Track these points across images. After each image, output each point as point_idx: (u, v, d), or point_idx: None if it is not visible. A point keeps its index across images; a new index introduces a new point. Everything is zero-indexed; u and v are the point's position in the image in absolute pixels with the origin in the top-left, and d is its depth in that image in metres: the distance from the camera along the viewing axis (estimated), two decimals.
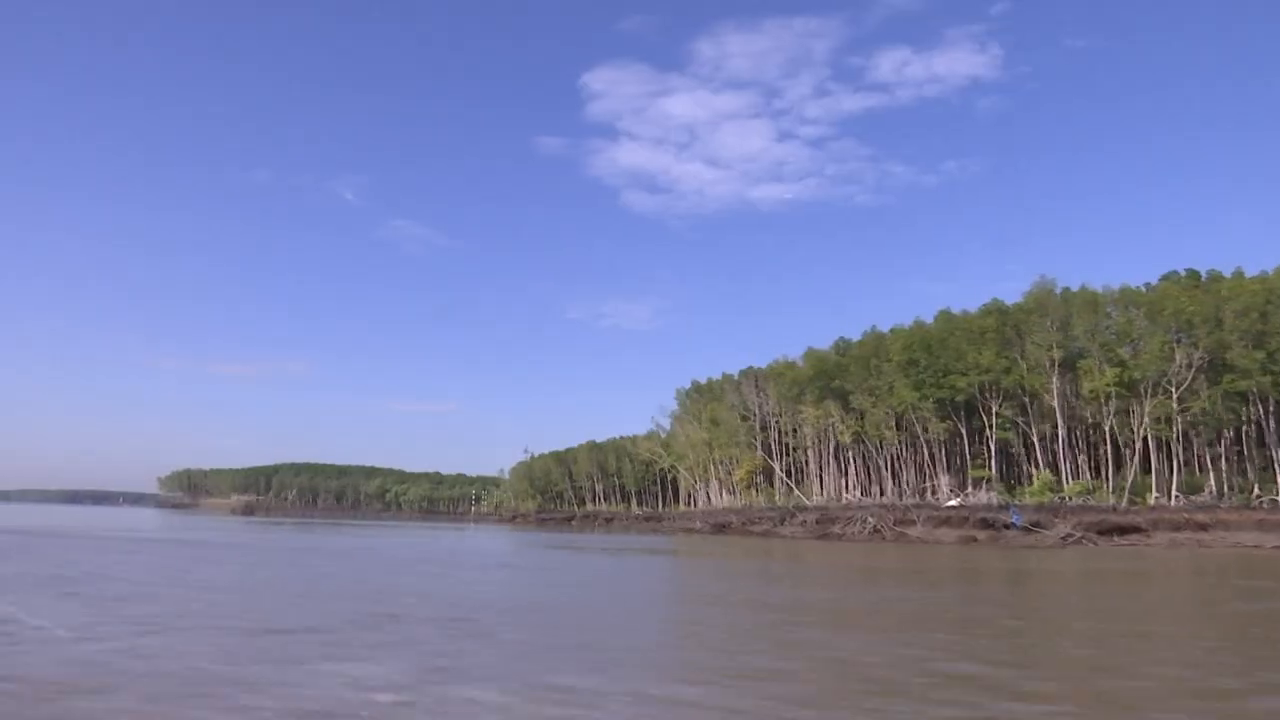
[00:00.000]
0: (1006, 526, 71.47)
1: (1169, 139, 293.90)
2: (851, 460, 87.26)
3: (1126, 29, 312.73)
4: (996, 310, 76.49)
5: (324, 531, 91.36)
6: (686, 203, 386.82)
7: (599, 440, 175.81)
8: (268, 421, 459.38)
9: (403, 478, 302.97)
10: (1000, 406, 74.41)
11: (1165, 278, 76.54)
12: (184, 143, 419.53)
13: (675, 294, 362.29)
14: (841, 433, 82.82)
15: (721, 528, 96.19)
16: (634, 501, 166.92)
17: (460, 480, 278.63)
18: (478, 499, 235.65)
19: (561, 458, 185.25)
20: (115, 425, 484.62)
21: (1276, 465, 70.76)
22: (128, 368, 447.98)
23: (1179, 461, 74.12)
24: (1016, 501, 73.38)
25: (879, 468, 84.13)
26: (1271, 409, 70.34)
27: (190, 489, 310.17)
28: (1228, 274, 75.78)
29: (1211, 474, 73.88)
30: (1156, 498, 71.88)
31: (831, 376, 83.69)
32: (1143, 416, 69.22)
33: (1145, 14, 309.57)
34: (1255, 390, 68.82)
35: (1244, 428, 74.37)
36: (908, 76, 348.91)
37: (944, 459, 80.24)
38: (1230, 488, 72.75)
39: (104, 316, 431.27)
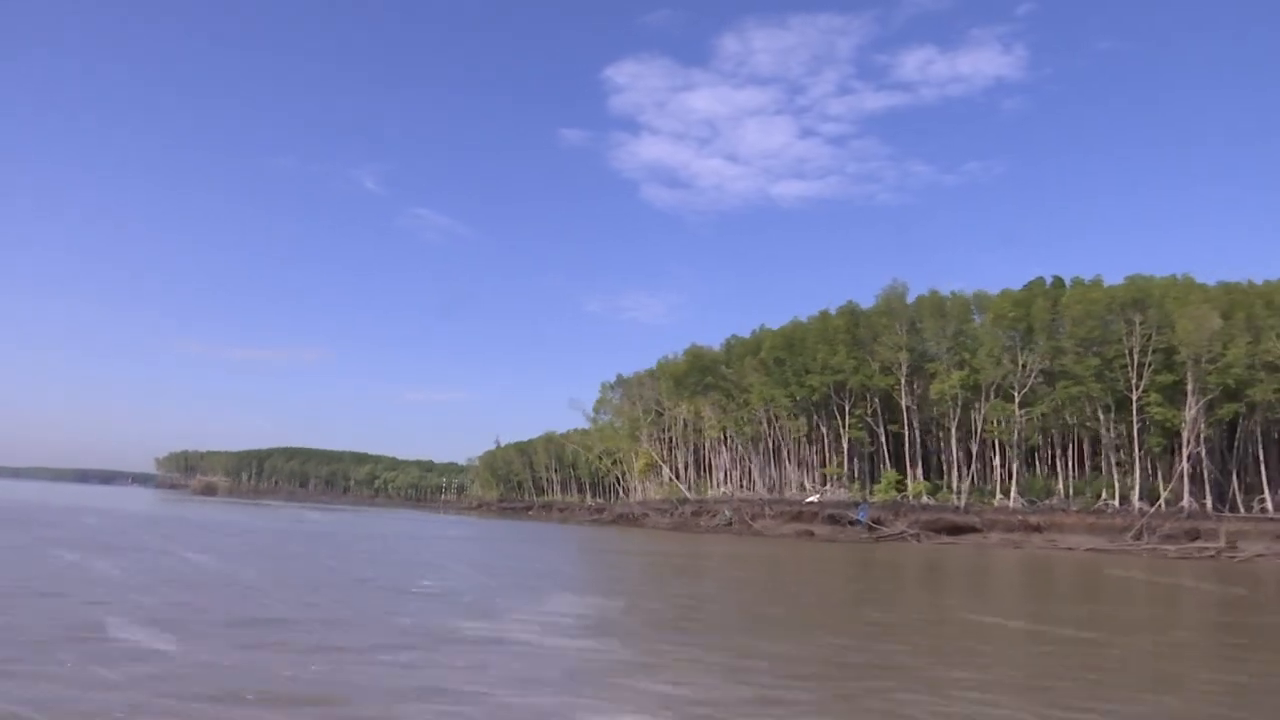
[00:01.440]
0: (852, 523, 73.83)
1: (1193, 142, 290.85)
2: (748, 456, 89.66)
3: (1152, 31, 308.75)
4: (849, 312, 78.55)
5: (220, 509, 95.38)
6: (706, 198, 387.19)
7: (558, 432, 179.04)
8: (281, 406, 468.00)
9: (393, 464, 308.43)
10: (853, 406, 76.58)
11: (1029, 285, 78.00)
12: (208, 127, 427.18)
13: (693, 289, 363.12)
14: (710, 428, 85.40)
15: (624, 519, 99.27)
16: (589, 493, 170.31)
17: (450, 469, 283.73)
18: (446, 487, 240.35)
19: (523, 449, 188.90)
20: (130, 406, 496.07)
21: (1115, 470, 72.40)
22: (145, 349, 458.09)
23: (1024, 465, 75.98)
24: (867, 500, 75.59)
25: (763, 462, 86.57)
26: (1113, 416, 71.87)
27: (187, 470, 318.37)
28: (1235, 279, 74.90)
29: (1060, 478, 75.59)
30: (1000, 499, 73.79)
31: (705, 373, 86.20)
32: (981, 420, 71.03)
33: (1171, 16, 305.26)
34: (1094, 396, 70.42)
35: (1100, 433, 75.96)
36: (932, 76, 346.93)
37: (814, 456, 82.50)
38: (1076, 492, 74.48)
39: (123, 298, 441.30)
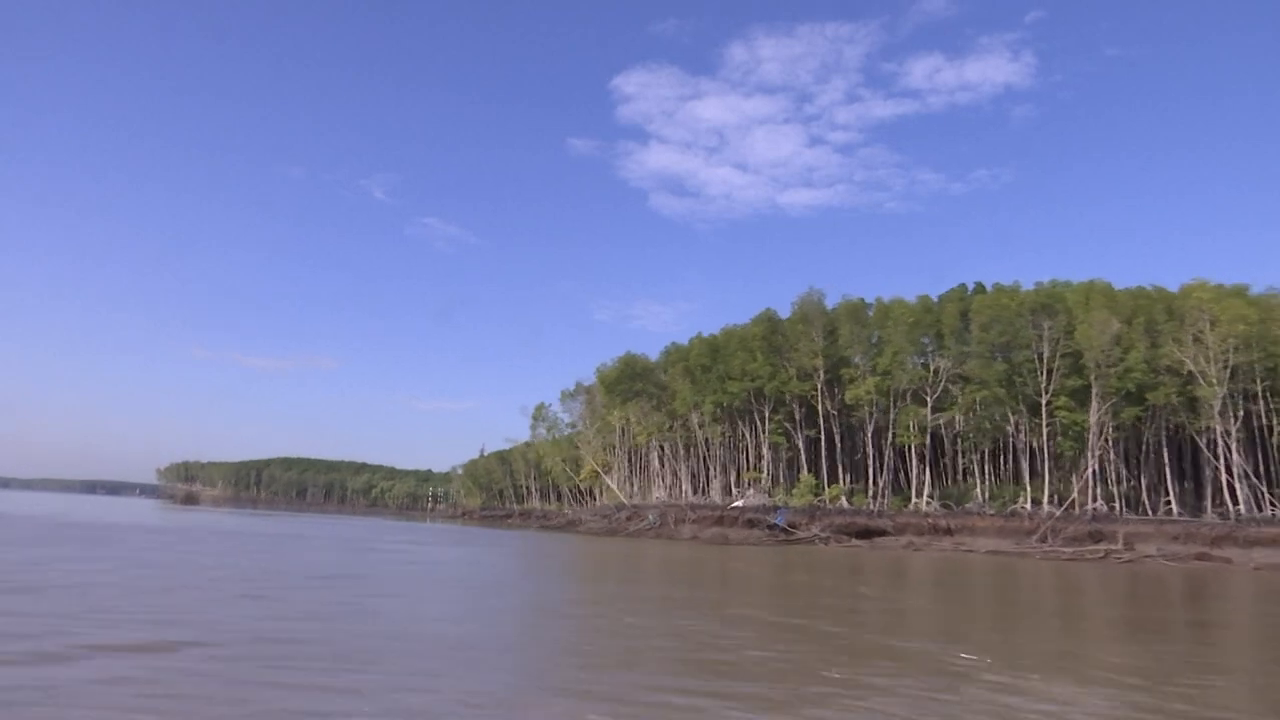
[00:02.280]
0: (770, 527, 75.03)
1: (1203, 148, 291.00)
2: (676, 461, 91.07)
3: (1160, 38, 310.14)
4: (767, 319, 79.94)
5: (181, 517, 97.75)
6: (715, 207, 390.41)
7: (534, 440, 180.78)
8: (287, 415, 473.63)
9: (391, 474, 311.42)
10: (773, 412, 77.90)
11: (949, 292, 79.12)
12: (220, 137, 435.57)
13: (703, 296, 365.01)
14: (638, 435, 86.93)
15: (569, 525, 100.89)
16: (566, 500, 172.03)
17: (446, 478, 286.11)
18: (434, 496, 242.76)
19: (504, 457, 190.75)
20: (138, 416, 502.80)
21: (1028, 475, 73.24)
22: (154, 358, 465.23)
23: (941, 469, 76.96)
24: (786, 504, 76.78)
25: (691, 468, 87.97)
26: (1025, 421, 72.78)
27: (188, 480, 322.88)
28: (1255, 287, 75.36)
29: (979, 482, 76.51)
30: (915, 503, 74.82)
31: (637, 380, 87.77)
32: (892, 425, 72.16)
33: (1179, 23, 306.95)
34: (1002, 401, 71.39)
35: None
36: (940, 84, 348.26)
37: (741, 461, 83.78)
38: (994, 496, 75.39)
39: (132, 306, 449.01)
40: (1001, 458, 76.83)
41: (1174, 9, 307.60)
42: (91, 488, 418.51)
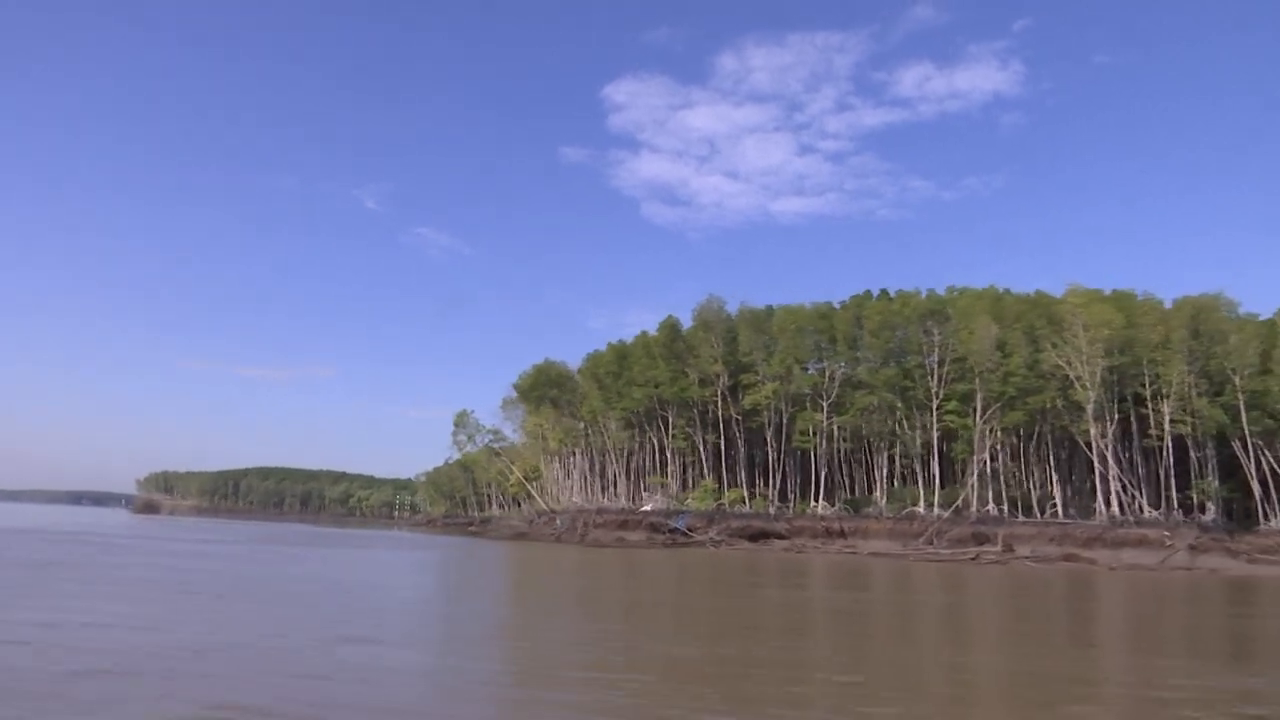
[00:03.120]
0: (670, 530, 76.07)
1: (1192, 153, 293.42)
2: (587, 466, 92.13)
3: (1149, 45, 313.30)
4: (669, 327, 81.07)
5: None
6: (706, 215, 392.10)
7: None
8: (273, 425, 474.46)
9: (369, 483, 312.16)
10: (676, 417, 79.02)
11: (850, 299, 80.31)
12: (212, 147, 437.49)
13: (695, 304, 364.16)
14: (551, 441, 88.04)
15: (492, 531, 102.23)
16: (523, 507, 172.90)
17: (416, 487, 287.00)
18: (403, 505, 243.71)
19: (466, 465, 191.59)
20: (126, 426, 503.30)
21: (922, 479, 74.28)
22: (144, 368, 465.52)
23: (843, 473, 77.98)
24: (686, 509, 77.84)
25: (601, 473, 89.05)
26: (918, 425, 73.85)
27: (167, 490, 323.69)
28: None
29: (879, 486, 77.55)
30: (813, 506, 75.84)
31: (551, 386, 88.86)
32: (785, 429, 73.23)
33: (1167, 30, 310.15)
34: (892, 406, 72.52)
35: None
36: (929, 92, 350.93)
37: (655, 466, 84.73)
38: (893, 499, 76.42)
39: (124, 317, 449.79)
40: (900, 462, 77.86)
41: (1161, 17, 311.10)
42: (77, 498, 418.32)
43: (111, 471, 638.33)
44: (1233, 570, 58.20)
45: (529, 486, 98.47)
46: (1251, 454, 70.36)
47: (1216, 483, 73.13)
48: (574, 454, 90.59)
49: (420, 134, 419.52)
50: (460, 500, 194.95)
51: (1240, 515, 75.09)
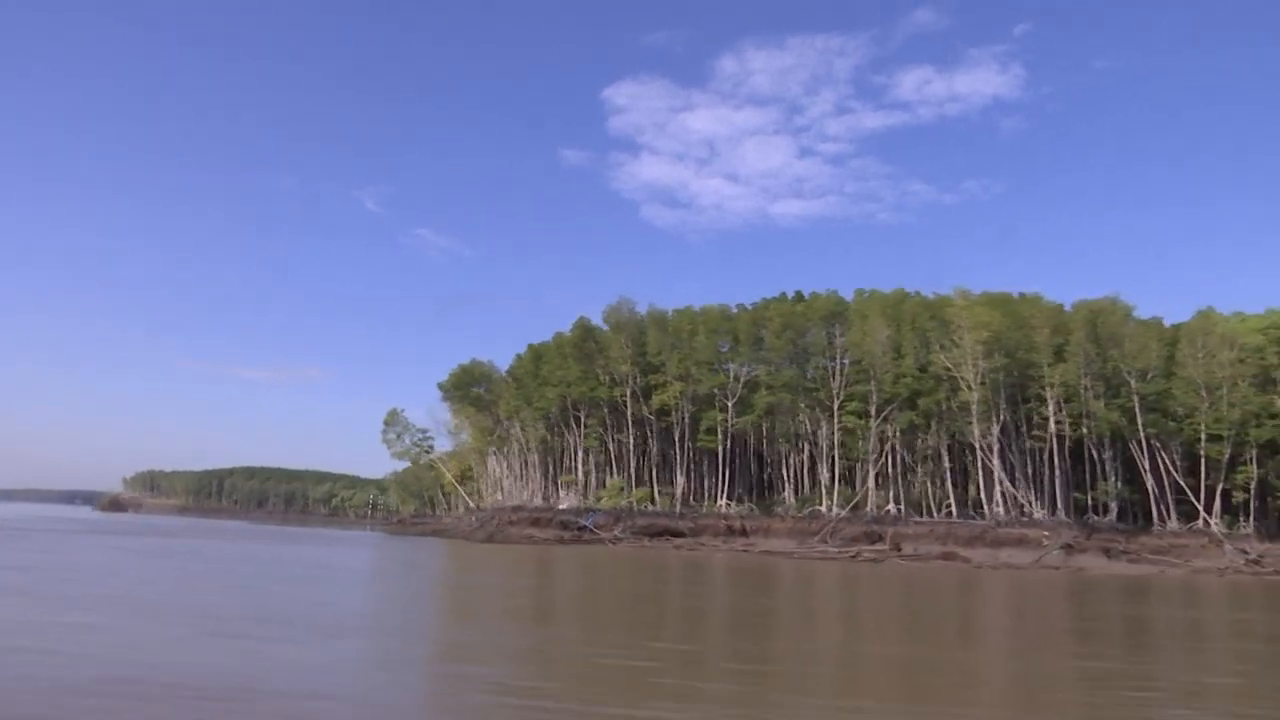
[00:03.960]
0: (579, 528, 77.20)
1: (1193, 158, 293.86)
2: (502, 465, 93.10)
3: (1149, 50, 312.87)
4: (581, 327, 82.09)
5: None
6: (706, 217, 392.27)
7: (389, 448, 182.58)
8: (274, 425, 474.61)
9: (353, 483, 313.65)
10: (587, 417, 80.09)
11: (762, 300, 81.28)
12: (212, 147, 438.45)
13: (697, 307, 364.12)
14: (474, 441, 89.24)
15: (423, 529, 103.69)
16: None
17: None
18: (374, 504, 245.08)
19: (433, 464, 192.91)
20: (121, 425, 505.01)
21: (826, 479, 75.17)
22: (140, 368, 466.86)
23: (752, 472, 78.94)
24: (597, 507, 78.96)
25: (520, 471, 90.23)
26: (821, 425, 74.77)
27: (152, 489, 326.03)
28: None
29: (787, 485, 78.48)
30: (718, 505, 76.84)
31: (473, 385, 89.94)
32: (687, 428, 74.25)
33: (1167, 36, 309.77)
34: (791, 406, 73.46)
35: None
36: (929, 95, 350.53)
37: (566, 465, 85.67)
38: (803, 498, 77.39)
39: (123, 317, 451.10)
40: (809, 463, 78.82)
41: (1160, 22, 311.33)
42: (70, 497, 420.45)
43: (110, 471, 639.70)
44: (1101, 569, 59.04)
45: (458, 486, 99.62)
46: (1146, 455, 71.14)
47: (1119, 484, 73.97)
48: (500, 454, 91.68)
49: (420, 136, 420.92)
50: (429, 500, 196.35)
51: (1145, 516, 75.80)
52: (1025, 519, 65.90)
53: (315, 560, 47.14)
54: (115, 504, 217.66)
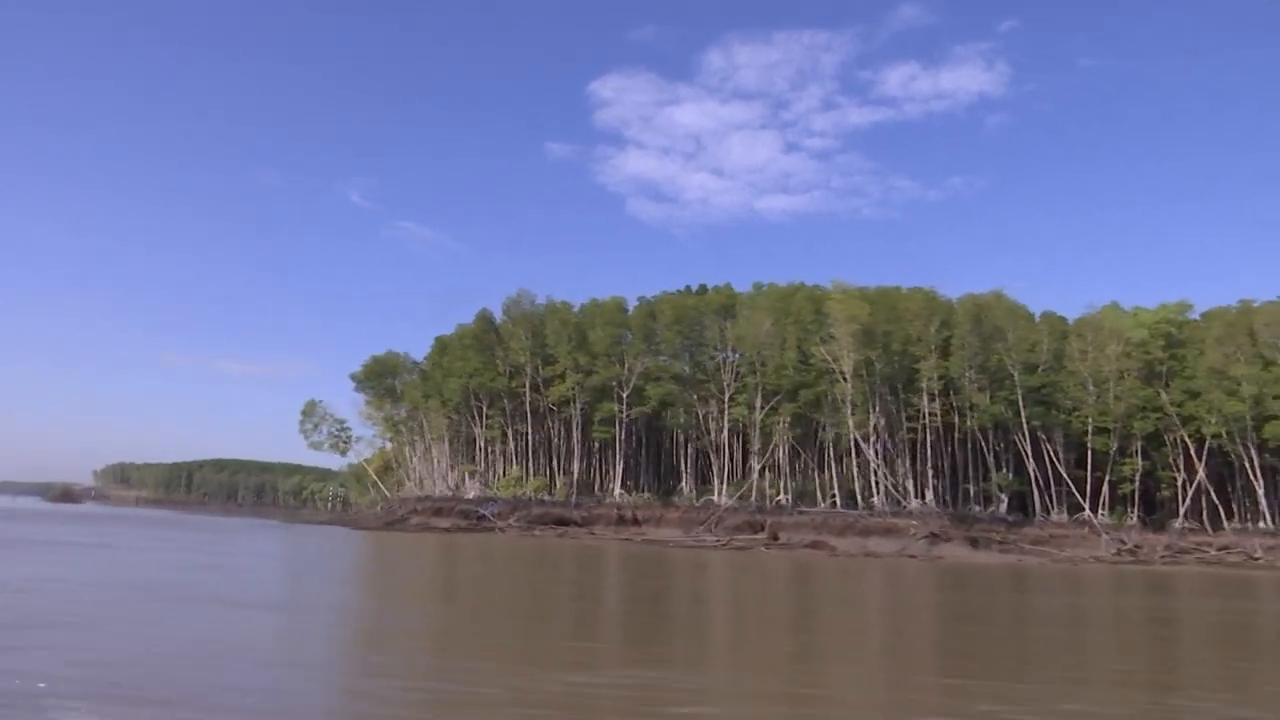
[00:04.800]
0: (479, 518, 78.18)
1: (1176, 157, 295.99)
2: (411, 454, 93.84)
3: (1134, 49, 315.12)
4: (483, 319, 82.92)
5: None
6: (692, 212, 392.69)
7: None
8: (253, 419, 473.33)
9: (323, 475, 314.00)
10: (489, 408, 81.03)
11: (660, 295, 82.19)
12: (194, 142, 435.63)
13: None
14: (383, 431, 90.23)
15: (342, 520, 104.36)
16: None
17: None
18: (334, 496, 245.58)
19: (384, 457, 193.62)
20: (103, 419, 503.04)
21: (717, 469, 76.19)
22: (126, 363, 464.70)
23: (646, 461, 79.96)
24: (496, 497, 79.98)
25: (431, 461, 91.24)
26: (713, 416, 75.79)
27: (123, 481, 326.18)
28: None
29: (685, 476, 79.50)
30: (615, 494, 77.86)
31: (385, 377, 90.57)
32: (579, 416, 75.21)
33: (1152, 33, 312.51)
34: (680, 399, 74.44)
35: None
36: (915, 92, 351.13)
37: (474, 456, 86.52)
38: (700, 490, 78.44)
39: (109, 312, 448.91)
40: (704, 454, 79.87)
41: (1146, 21, 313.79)
42: (45, 490, 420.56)
43: (88, 463, 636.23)
44: (960, 558, 60.24)
45: (375, 477, 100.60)
46: (1030, 447, 72.32)
47: (1011, 476, 75.17)
48: (412, 445, 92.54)
49: (406, 129, 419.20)
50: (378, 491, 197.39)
51: (1043, 508, 76.85)
52: (901, 510, 67.01)
53: (166, 547, 47.94)
54: (67, 495, 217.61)
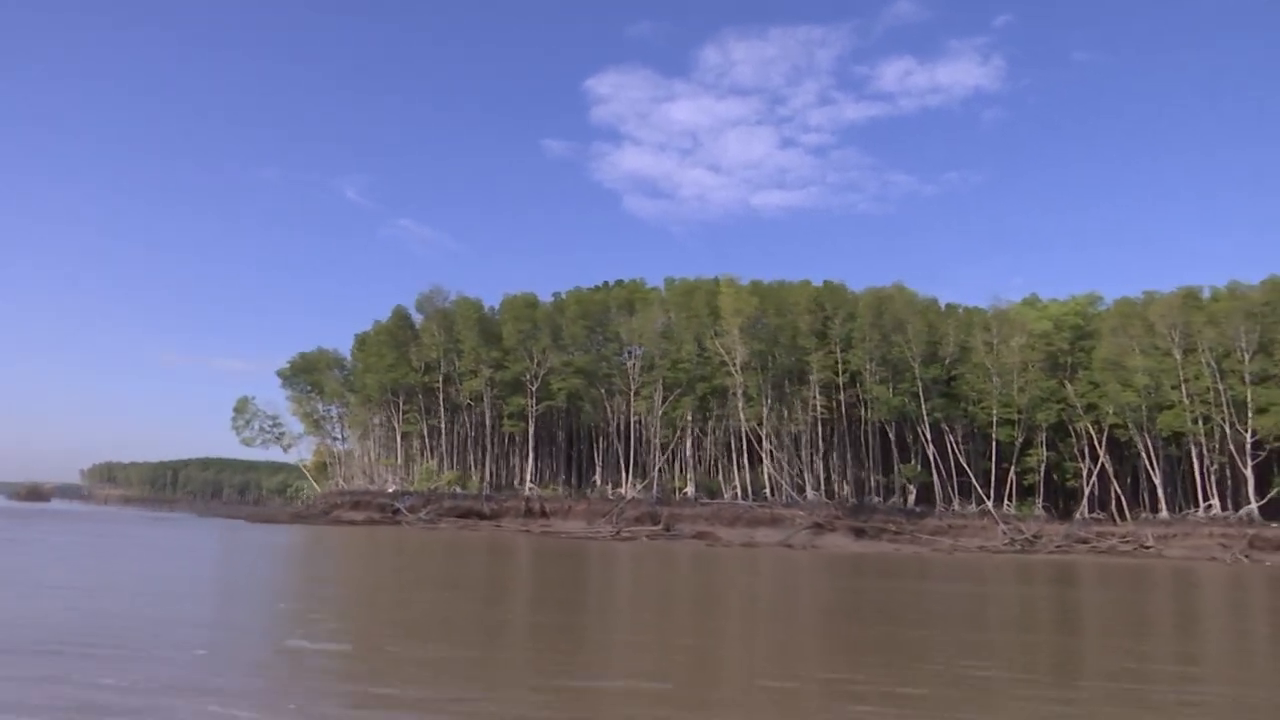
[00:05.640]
0: (395, 510, 79.20)
1: (1169, 152, 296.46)
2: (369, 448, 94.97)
3: (1128, 43, 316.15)
4: (399, 315, 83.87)
5: None
6: (688, 208, 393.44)
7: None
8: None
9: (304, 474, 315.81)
10: (405, 402, 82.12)
11: (570, 292, 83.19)
12: (193, 141, 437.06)
13: None
14: (306, 426, 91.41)
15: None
16: None
17: None
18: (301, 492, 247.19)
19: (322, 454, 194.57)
20: (95, 418, 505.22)
21: (623, 461, 77.09)
22: (128, 363, 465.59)
23: (556, 454, 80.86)
24: (409, 490, 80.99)
25: (359, 456, 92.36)
26: (619, 410, 76.65)
27: (110, 480, 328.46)
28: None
29: (598, 469, 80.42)
30: (525, 487, 78.81)
31: (311, 372, 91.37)
32: (489, 412, 76.15)
33: (1147, 28, 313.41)
34: (592, 394, 75.35)
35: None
36: (911, 86, 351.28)
37: (399, 450, 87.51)
38: (614, 482, 79.32)
39: (108, 312, 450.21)
40: (617, 446, 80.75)
41: (1141, 16, 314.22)
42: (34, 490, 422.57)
43: (73, 464, 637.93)
44: (840, 547, 61.03)
45: (307, 472, 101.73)
46: (931, 438, 73.07)
47: (920, 467, 75.94)
48: (339, 440, 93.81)
49: (402, 125, 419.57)
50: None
51: (939, 498, 77.60)
52: (798, 501, 67.81)
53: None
54: (34, 493, 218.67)
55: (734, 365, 66.20)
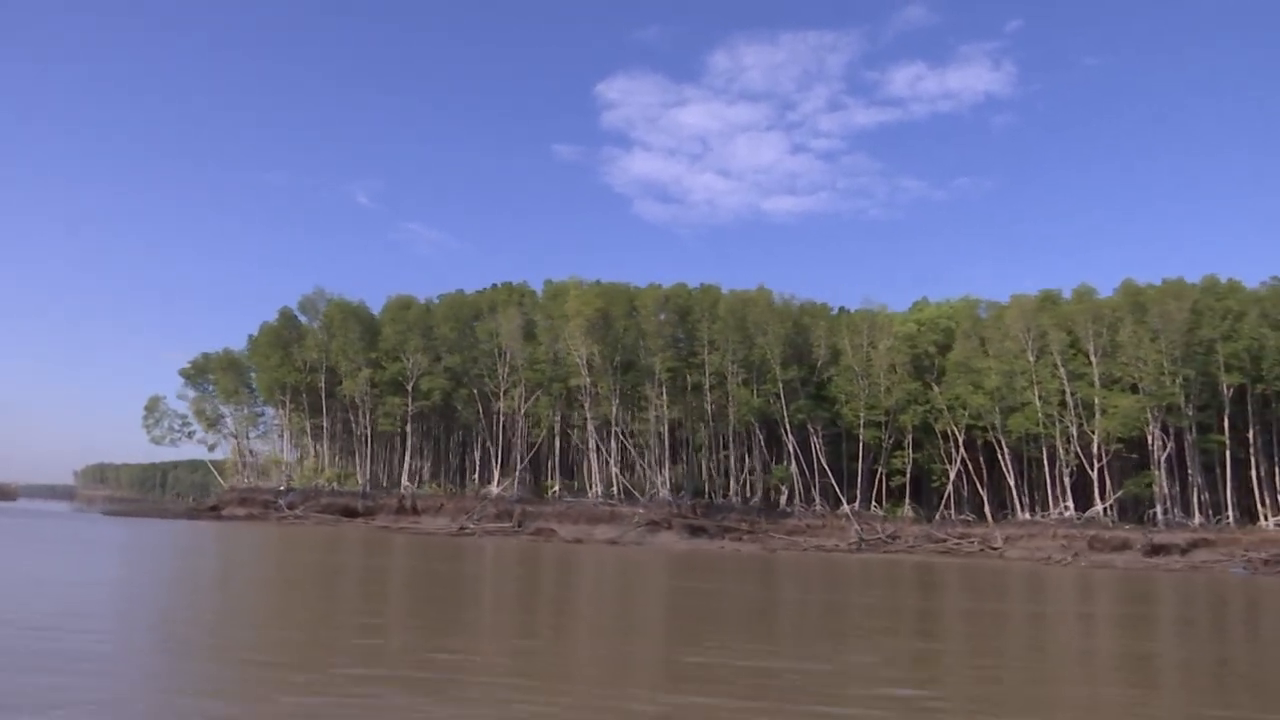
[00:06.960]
0: (277, 506, 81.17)
1: (1182, 155, 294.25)
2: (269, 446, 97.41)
3: (1140, 47, 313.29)
4: (285, 316, 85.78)
5: None
6: (698, 213, 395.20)
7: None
8: None
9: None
10: (291, 400, 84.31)
11: (493, 287, 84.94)
12: (200, 142, 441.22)
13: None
14: (203, 424, 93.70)
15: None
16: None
17: None
18: None
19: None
20: (91, 421, 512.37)
21: (495, 460, 78.61)
22: (129, 363, 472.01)
23: (440, 453, 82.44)
24: (292, 486, 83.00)
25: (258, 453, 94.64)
26: (493, 410, 78.20)
27: (101, 482, 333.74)
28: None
29: (476, 468, 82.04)
30: (402, 485, 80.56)
31: (240, 370, 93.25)
32: (367, 412, 78.00)
33: (1158, 32, 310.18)
34: (461, 395, 76.99)
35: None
36: (921, 92, 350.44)
37: (290, 446, 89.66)
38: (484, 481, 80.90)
39: (109, 312, 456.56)
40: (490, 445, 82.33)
41: (1151, 19, 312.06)
42: (28, 491, 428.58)
43: (66, 465, 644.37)
44: (670, 546, 62.10)
45: (214, 471, 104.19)
46: (793, 439, 74.08)
47: (790, 467, 76.85)
48: (230, 439, 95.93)
49: (412, 130, 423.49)
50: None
51: (809, 499, 78.30)
52: (642, 500, 69.06)
53: None
54: (3, 493, 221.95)
55: (582, 364, 67.60)
